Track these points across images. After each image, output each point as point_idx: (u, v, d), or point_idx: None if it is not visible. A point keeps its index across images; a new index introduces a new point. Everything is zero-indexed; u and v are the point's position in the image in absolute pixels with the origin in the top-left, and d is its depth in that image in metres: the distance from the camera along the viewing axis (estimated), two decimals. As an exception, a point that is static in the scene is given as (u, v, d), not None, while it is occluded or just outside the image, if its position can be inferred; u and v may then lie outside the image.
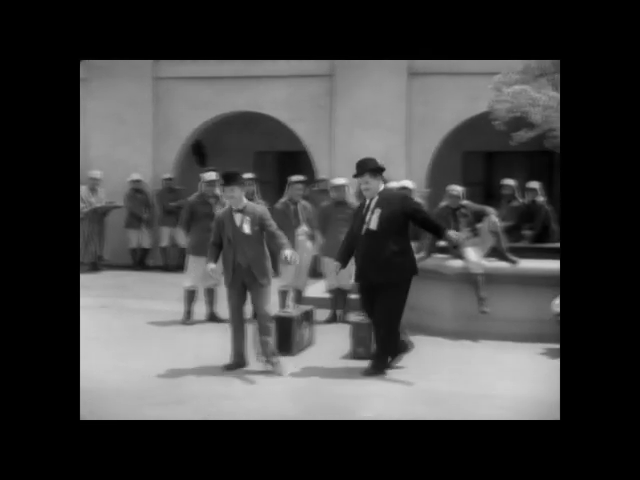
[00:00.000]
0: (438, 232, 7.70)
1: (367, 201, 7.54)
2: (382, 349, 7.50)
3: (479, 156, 17.42)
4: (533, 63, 9.95)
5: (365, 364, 7.65)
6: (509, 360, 8.08)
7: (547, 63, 10.01)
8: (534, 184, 11.70)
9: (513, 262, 9.37)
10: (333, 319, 10.14)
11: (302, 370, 7.63)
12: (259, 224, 7.59)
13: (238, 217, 7.57)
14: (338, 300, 10.21)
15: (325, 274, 10.39)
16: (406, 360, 8.03)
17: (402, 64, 14.37)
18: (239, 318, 7.69)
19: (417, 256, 9.80)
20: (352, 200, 10.51)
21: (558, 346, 8.33)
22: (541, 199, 11.61)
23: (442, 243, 9.90)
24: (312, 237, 10.28)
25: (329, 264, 10.16)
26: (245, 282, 7.61)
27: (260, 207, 7.94)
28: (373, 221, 7.37)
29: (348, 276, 10.17)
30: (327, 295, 10.44)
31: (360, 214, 7.57)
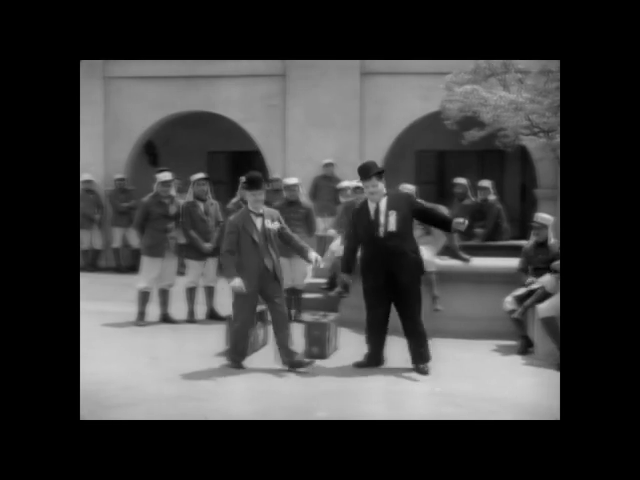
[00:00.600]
0: (446, 225, 7.66)
1: (372, 204, 7.45)
2: (425, 340, 7.53)
3: (431, 155, 17.54)
4: (483, 63, 10.06)
5: (319, 363, 7.67)
6: (465, 357, 8.16)
7: (497, 63, 10.13)
8: (485, 183, 11.80)
9: (465, 260, 9.45)
10: (287, 319, 10.13)
11: (257, 370, 7.61)
12: (277, 228, 7.61)
13: (259, 220, 7.50)
14: (292, 300, 10.20)
15: (279, 274, 10.36)
16: (360, 359, 8.06)
17: (355, 64, 14.41)
18: (253, 320, 7.76)
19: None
20: (304, 200, 10.52)
21: (512, 343, 8.47)
22: (492, 197, 11.71)
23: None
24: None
25: (284, 264, 10.16)
26: (264, 286, 7.54)
27: (273, 209, 7.90)
28: (391, 223, 7.35)
29: (302, 276, 10.20)
30: (281, 295, 10.42)
31: (367, 218, 7.46)
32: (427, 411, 6.32)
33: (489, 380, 7.24)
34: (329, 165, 13.88)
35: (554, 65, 9.50)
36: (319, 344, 8.13)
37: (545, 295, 8.07)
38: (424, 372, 7.37)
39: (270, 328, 8.94)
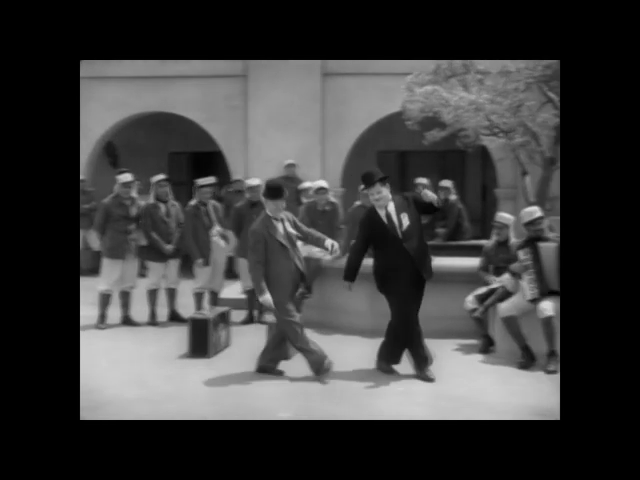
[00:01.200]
0: (433, 208, 7.50)
1: (381, 210, 7.33)
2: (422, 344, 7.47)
3: (393, 155, 17.61)
4: (444, 64, 10.11)
5: (282, 364, 7.65)
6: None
7: (457, 64, 10.20)
8: (446, 183, 11.87)
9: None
10: (249, 320, 10.11)
11: (219, 372, 7.58)
12: (294, 227, 7.57)
13: (280, 225, 7.40)
14: (254, 301, 10.17)
15: (240, 275, 10.34)
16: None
17: (316, 64, 14.42)
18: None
19: (331, 256, 9.87)
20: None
21: (473, 342, 8.52)
22: (453, 197, 11.77)
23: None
24: (224, 237, 10.22)
25: (244, 265, 10.14)
26: (294, 290, 7.50)
27: (287, 212, 7.73)
28: (406, 225, 7.29)
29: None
30: (243, 296, 10.40)
31: (381, 224, 7.33)
32: (390, 410, 6.34)
33: (451, 379, 7.27)
34: (291, 166, 13.87)
35: (513, 66, 9.60)
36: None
37: (506, 294, 8.12)
38: (431, 379, 7.28)
39: (233, 330, 8.95)
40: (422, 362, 7.36)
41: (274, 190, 7.42)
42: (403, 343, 7.47)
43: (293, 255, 7.40)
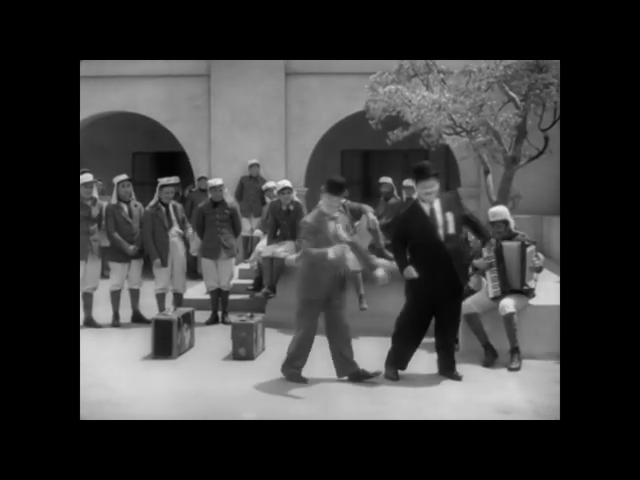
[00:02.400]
0: (485, 237, 7.56)
1: (426, 205, 7.17)
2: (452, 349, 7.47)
3: (356, 155, 17.65)
4: (407, 64, 10.15)
5: (246, 364, 7.65)
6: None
7: (420, 64, 10.24)
8: (410, 182, 11.89)
9: (391, 259, 9.51)
10: (214, 320, 10.08)
11: (184, 373, 7.55)
12: (346, 231, 7.34)
13: (332, 224, 7.14)
14: (218, 301, 10.16)
15: (204, 275, 10.31)
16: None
17: (279, 64, 14.40)
18: (316, 328, 7.31)
19: (296, 255, 9.87)
20: (229, 200, 10.48)
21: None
22: (417, 196, 11.80)
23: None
24: (183, 238, 10.18)
25: (207, 265, 10.11)
26: (332, 293, 7.20)
27: (345, 217, 7.50)
28: (450, 225, 7.14)
29: (228, 277, 10.15)
30: (207, 296, 10.37)
31: (424, 219, 7.15)
32: (354, 410, 6.35)
33: (414, 377, 7.30)
34: (254, 166, 13.85)
35: (475, 66, 9.66)
36: (246, 345, 8.10)
37: (469, 292, 8.17)
38: (459, 377, 7.28)
39: (197, 330, 8.92)
40: (452, 363, 7.34)
41: (335, 185, 7.13)
42: (413, 345, 7.35)
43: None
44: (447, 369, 7.35)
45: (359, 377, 7.16)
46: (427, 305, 7.25)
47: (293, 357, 7.27)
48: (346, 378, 7.23)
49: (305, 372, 7.30)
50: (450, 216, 7.15)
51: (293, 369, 7.27)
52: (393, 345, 7.40)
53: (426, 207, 7.19)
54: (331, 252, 6.84)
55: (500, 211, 8.12)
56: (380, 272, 7.22)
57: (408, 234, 7.26)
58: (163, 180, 10.20)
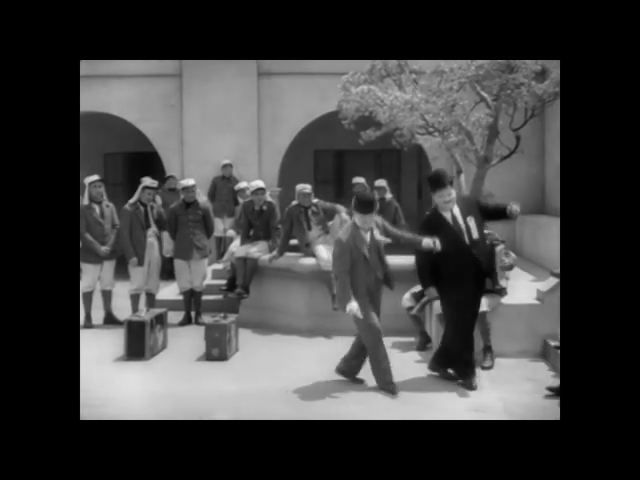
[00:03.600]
0: (503, 214, 7.14)
1: (447, 213, 7.07)
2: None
3: (329, 154, 17.66)
4: (379, 64, 10.17)
5: (220, 365, 7.63)
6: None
7: (392, 64, 10.26)
8: (381, 182, 11.93)
9: (364, 259, 9.52)
10: (187, 321, 10.05)
11: (157, 374, 7.53)
12: (383, 232, 7.22)
13: (368, 235, 7.03)
14: (191, 302, 10.13)
15: (177, 276, 10.27)
16: (262, 360, 8.07)
17: (251, 64, 14.38)
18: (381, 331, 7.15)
19: (269, 255, 9.87)
20: (202, 200, 10.45)
21: (411, 339, 8.59)
22: (389, 196, 11.84)
23: (294, 241, 9.99)
24: (159, 239, 10.15)
25: (180, 265, 10.08)
26: (372, 299, 7.12)
27: (377, 217, 7.31)
28: (473, 230, 7.06)
29: (201, 278, 10.13)
30: (180, 297, 10.33)
31: (448, 227, 7.05)
32: (326, 410, 6.36)
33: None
34: (227, 166, 13.82)
35: (447, 66, 9.69)
36: (219, 346, 8.08)
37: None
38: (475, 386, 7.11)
39: (170, 331, 8.89)
40: (470, 370, 7.17)
41: (365, 204, 7.02)
42: (463, 349, 7.17)
43: (375, 269, 7.09)
44: (464, 374, 7.18)
45: (389, 388, 6.98)
46: (469, 307, 7.15)
47: (380, 372, 7.09)
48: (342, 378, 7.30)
49: (289, 373, 7.31)
50: (472, 221, 7.09)
51: (347, 368, 7.33)
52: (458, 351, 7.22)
53: (447, 215, 7.10)
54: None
55: None
56: (427, 240, 6.95)
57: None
58: (147, 181, 10.15)
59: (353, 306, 6.89)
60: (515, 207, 7.00)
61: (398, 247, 7.58)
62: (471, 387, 7.01)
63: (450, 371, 7.34)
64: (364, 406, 6.51)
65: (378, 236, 7.14)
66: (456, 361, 7.23)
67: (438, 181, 7.12)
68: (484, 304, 7.69)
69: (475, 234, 7.07)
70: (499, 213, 7.18)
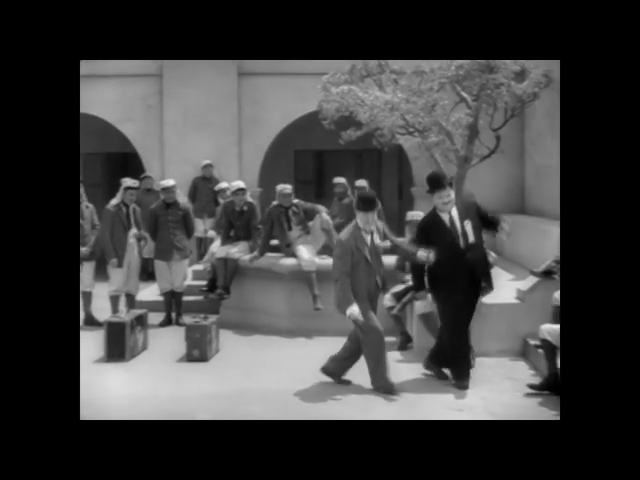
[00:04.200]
0: (496, 226, 7.26)
1: (445, 215, 7.06)
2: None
3: (309, 155, 17.66)
4: (359, 64, 10.18)
5: (200, 366, 7.61)
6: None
7: (373, 64, 10.27)
8: (362, 182, 11.92)
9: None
10: (167, 322, 10.02)
11: (137, 375, 7.50)
12: (382, 237, 7.19)
13: (369, 238, 7.01)
14: (172, 302, 10.09)
15: (157, 277, 10.23)
16: (243, 360, 8.06)
17: (231, 64, 14.34)
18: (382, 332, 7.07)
19: (250, 256, 9.85)
20: (182, 201, 10.42)
21: (392, 339, 8.60)
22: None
23: (274, 242, 9.99)
24: (140, 239, 10.11)
25: (160, 266, 10.04)
26: (372, 303, 7.10)
27: (378, 221, 7.29)
28: (470, 233, 7.03)
29: (182, 278, 10.10)
30: (160, 298, 10.29)
31: (445, 230, 7.04)
32: (311, 410, 6.36)
33: (369, 376, 7.32)
34: (208, 166, 13.78)
35: (427, 66, 9.72)
36: (200, 347, 8.06)
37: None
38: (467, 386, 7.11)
39: (150, 332, 8.86)
40: (465, 371, 7.16)
41: (366, 202, 7.00)
42: (460, 352, 7.15)
43: (375, 271, 7.07)
44: (458, 375, 7.19)
45: (390, 391, 6.94)
46: (466, 309, 7.14)
47: (378, 373, 7.06)
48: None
49: (270, 373, 7.29)
50: (468, 224, 7.07)
51: (335, 369, 7.30)
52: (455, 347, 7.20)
53: (445, 217, 7.09)
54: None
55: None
56: (421, 252, 6.97)
57: (428, 245, 7.04)
58: (128, 182, 10.10)
59: (354, 310, 6.84)
60: (507, 229, 7.12)
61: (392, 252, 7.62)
62: (463, 387, 7.02)
63: (445, 371, 7.34)
64: (346, 406, 6.51)
65: (378, 240, 7.13)
66: (452, 361, 7.23)
67: (437, 182, 7.11)
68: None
69: (471, 237, 7.05)
70: (492, 225, 7.24)
